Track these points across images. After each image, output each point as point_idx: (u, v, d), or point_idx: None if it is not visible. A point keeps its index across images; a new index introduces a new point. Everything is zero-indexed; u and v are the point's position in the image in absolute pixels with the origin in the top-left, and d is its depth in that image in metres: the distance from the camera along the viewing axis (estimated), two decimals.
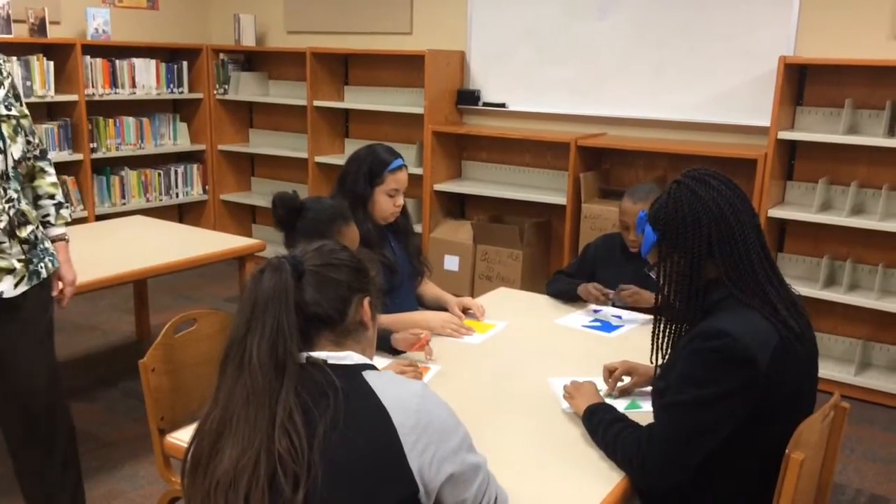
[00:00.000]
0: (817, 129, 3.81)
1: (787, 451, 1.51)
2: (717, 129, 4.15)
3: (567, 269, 3.03)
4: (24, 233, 2.14)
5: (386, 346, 2.23)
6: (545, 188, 4.66)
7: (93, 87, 4.96)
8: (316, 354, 1.27)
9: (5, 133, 2.10)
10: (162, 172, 5.56)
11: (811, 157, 3.91)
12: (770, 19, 3.90)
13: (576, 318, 2.67)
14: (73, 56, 4.76)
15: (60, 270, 2.29)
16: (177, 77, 5.52)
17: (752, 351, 1.54)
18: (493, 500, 1.33)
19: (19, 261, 2.13)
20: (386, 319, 2.32)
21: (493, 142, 4.83)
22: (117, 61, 5.10)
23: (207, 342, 2.20)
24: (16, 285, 2.12)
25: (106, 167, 5.24)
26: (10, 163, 2.11)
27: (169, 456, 1.95)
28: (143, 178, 5.45)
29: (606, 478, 1.63)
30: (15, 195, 2.13)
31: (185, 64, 5.58)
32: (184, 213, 5.94)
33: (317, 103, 5.19)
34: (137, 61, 5.22)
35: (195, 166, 5.78)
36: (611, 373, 2.04)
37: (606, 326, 2.60)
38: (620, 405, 1.94)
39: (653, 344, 1.76)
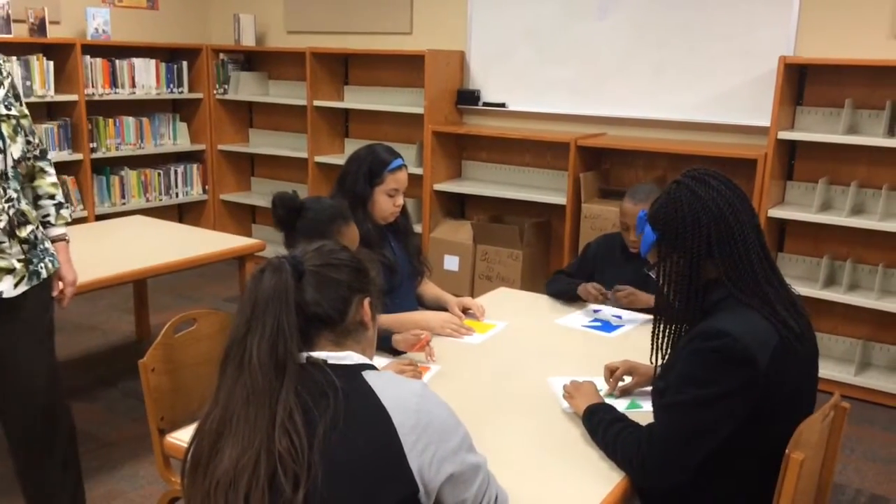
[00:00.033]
0: (817, 129, 3.81)
1: (787, 451, 1.51)
2: (717, 129, 4.15)
3: (567, 268, 3.03)
4: (24, 233, 2.14)
5: (386, 346, 2.24)
6: (545, 188, 4.66)
7: (93, 86, 4.96)
8: (316, 354, 1.27)
9: (5, 133, 2.09)
10: (162, 172, 5.56)
11: (811, 157, 3.91)
12: (770, 19, 3.90)
13: (576, 318, 2.67)
14: (73, 56, 4.75)
15: (61, 271, 2.29)
16: (177, 77, 5.52)
17: (752, 351, 1.54)
18: (493, 500, 1.33)
19: (19, 261, 2.13)
20: (386, 319, 2.32)
21: (493, 142, 4.83)
22: (117, 61, 5.10)
23: (207, 342, 2.20)
24: (16, 285, 2.11)
25: (106, 167, 5.24)
26: (10, 163, 2.11)
27: (169, 456, 1.95)
28: (143, 177, 5.45)
29: (606, 478, 1.63)
30: (15, 195, 2.13)
31: (184, 64, 5.58)
32: (184, 213, 5.94)
33: (317, 103, 5.19)
34: (137, 61, 5.22)
35: (195, 166, 5.78)
36: (612, 372, 2.04)
37: (606, 326, 2.60)
38: (621, 405, 1.94)
39: (652, 344, 1.76)
